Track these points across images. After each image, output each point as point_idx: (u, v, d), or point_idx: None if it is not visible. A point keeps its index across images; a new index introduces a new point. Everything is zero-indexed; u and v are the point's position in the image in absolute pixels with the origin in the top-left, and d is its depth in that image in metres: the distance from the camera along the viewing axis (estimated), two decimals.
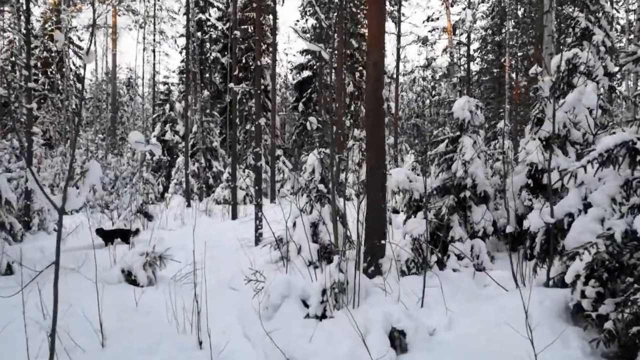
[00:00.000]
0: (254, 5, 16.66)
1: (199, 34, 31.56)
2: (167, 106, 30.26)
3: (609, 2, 16.41)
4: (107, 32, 38.86)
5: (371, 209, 6.92)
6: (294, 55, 36.49)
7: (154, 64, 36.13)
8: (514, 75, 32.80)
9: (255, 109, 11.87)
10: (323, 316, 5.82)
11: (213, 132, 27.56)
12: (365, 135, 7.00)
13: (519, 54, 31.46)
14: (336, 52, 24.92)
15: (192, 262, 8.42)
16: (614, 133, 4.73)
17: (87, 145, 29.07)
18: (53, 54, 38.11)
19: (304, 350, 4.88)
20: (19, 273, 9.99)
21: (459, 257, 7.47)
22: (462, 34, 37.67)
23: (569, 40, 9.63)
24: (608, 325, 4.10)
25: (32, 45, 35.60)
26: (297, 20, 34.54)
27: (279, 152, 26.51)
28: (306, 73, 36.85)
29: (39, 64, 38.38)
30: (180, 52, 34.58)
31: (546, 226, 5.39)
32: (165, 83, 33.04)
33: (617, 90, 10.30)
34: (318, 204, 8.86)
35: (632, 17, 26.87)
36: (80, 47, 42.43)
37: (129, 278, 8.02)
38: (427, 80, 47.03)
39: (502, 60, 33.72)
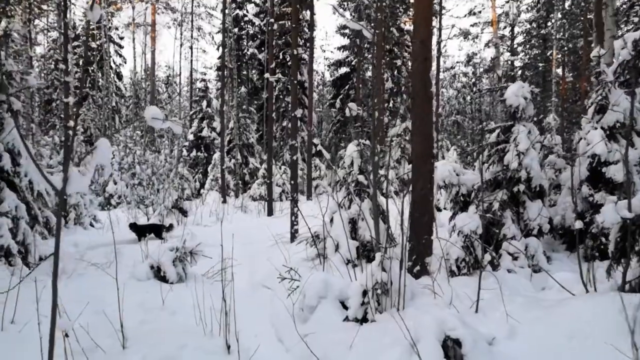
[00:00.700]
0: None
1: (235, 30, 31.38)
2: (204, 103, 30.18)
3: None
4: (146, 30, 39.18)
5: (417, 202, 6.30)
6: (332, 51, 35.89)
7: (191, 60, 36.21)
8: (559, 70, 31.36)
9: (292, 100, 11.37)
10: (364, 319, 5.25)
11: (250, 128, 27.29)
12: (411, 121, 6.39)
13: (566, 47, 30.03)
14: (375, 46, 24.23)
15: (225, 259, 8.02)
16: None
17: (126, 142, 29.19)
18: (94, 53, 38.69)
19: (344, 359, 4.34)
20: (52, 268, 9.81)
21: (513, 257, 6.78)
22: (505, 27, 36.43)
23: (636, 20, 8.74)
24: None
25: (73, 44, 36.21)
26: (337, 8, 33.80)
27: (317, 143, 25.97)
28: (344, 69, 36.25)
29: (80, 62, 39.05)
30: (218, 49, 34.50)
31: (622, 222, 4.68)
32: (202, 80, 32.99)
33: None
34: (357, 199, 8.29)
35: None
36: (120, 46, 43.04)
37: (158, 274, 7.64)
38: (468, 77, 45.82)
39: (549, 54, 32.31)
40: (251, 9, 33.76)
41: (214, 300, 5.81)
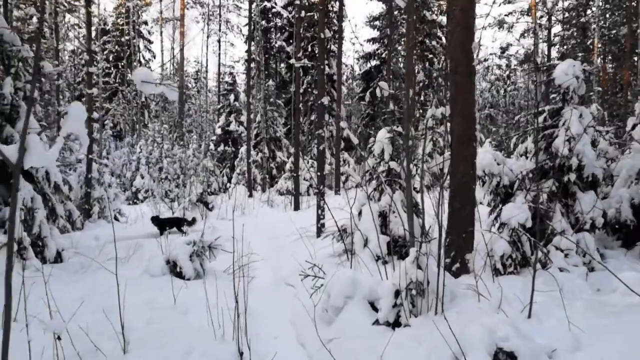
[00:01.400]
0: None
1: (263, 22, 30.91)
2: (232, 96, 29.80)
3: None
4: (175, 25, 39.11)
5: (457, 191, 5.61)
6: (361, 44, 35.15)
7: (219, 54, 35.94)
8: (599, 60, 29.87)
9: (318, 86, 10.75)
10: (396, 323, 4.62)
11: (277, 122, 26.78)
12: (449, 100, 5.70)
13: (607, 35, 28.57)
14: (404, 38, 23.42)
15: (247, 254, 7.48)
16: None
17: (154, 137, 29.09)
18: (124, 48, 38.81)
19: None
20: (70, 261, 9.48)
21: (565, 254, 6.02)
22: (542, 16, 34.96)
23: None
24: None
25: (103, 39, 36.34)
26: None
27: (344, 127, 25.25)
28: (373, 62, 35.44)
29: (110, 58, 39.25)
30: (246, 42, 34.13)
31: None
32: (230, 73, 32.65)
33: None
34: (389, 188, 7.64)
35: None
36: (150, 41, 43.13)
37: (174, 270, 7.12)
38: (502, 69, 44.37)
39: (588, 42, 30.84)
40: (279, 0, 33.25)
41: (231, 298, 5.26)
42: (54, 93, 17.34)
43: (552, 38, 34.25)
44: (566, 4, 33.41)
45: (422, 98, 30.80)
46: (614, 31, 28.10)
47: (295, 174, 17.03)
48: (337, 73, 26.70)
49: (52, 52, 22.32)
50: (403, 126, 5.69)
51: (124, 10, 38.60)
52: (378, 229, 7.59)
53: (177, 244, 7.39)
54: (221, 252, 7.91)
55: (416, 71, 29.26)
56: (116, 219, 16.09)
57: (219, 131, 30.03)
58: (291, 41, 31.11)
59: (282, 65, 33.98)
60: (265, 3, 31.53)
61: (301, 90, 24.92)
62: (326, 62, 12.68)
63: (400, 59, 33.95)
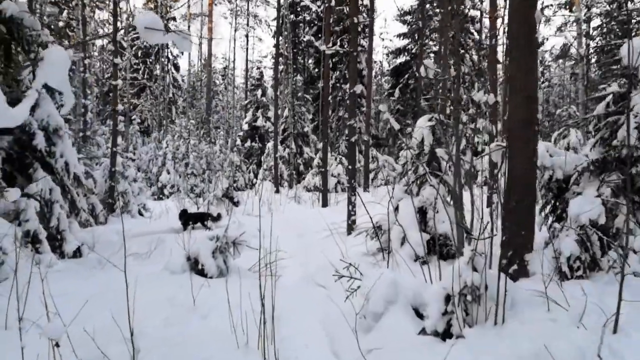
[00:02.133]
0: None
1: (292, 16, 30.39)
2: (259, 92, 29.40)
3: None
4: (202, 20, 38.93)
5: (516, 182, 4.90)
6: (390, 40, 34.37)
7: (247, 48, 35.56)
8: None
9: (350, 74, 10.12)
10: (446, 334, 3.97)
11: (305, 117, 26.24)
12: (508, 75, 5.01)
13: None
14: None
15: (274, 251, 6.91)
16: None
17: (181, 132, 28.87)
18: (153, 44, 38.79)
19: None
20: (89, 257, 9.08)
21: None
22: (580, 10, 33.58)
23: None
24: None
25: (132, 36, 36.33)
26: None
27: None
28: (403, 58, 34.65)
29: (139, 54, 39.28)
30: (274, 36, 33.73)
31: None
32: (258, 67, 32.24)
33: None
34: (433, 179, 6.97)
35: None
36: None
37: (195, 267, 6.58)
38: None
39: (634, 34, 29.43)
40: None
41: (256, 299, 4.68)
42: (79, 85, 17.10)
43: (590, 32, 32.92)
44: None
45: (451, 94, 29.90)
46: None
47: (323, 169, 16.44)
48: (367, 70, 26.03)
49: (79, 46, 22.17)
50: (453, 107, 5.02)
51: (152, 6, 38.55)
52: (417, 226, 6.95)
53: (199, 239, 6.86)
54: (246, 249, 7.35)
55: (447, 67, 28.37)
56: (140, 213, 15.76)
57: (245, 127, 29.65)
58: (320, 35, 30.51)
59: (310, 60, 33.44)
60: None
61: (330, 83, 24.35)
62: (357, 40, 11.92)
63: (431, 54, 33.12)
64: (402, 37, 34.78)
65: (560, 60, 37.43)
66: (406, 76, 33.51)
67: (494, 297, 3.86)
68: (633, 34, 26.30)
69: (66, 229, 8.70)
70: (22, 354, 3.16)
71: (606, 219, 5.43)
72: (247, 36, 36.04)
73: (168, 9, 39.26)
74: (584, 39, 32.58)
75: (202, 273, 6.52)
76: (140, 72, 39.08)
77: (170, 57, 40.73)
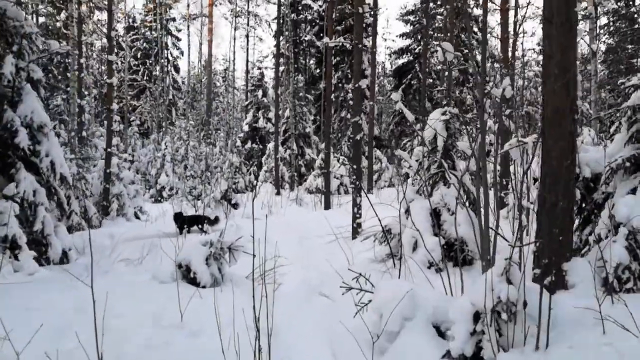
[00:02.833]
0: None
1: (293, 15, 29.83)
2: (260, 92, 28.85)
3: None
4: (202, 21, 38.41)
5: (552, 180, 4.27)
6: (393, 40, 33.79)
7: (247, 48, 34.99)
8: None
9: (355, 68, 9.55)
10: (476, 358, 3.36)
11: (306, 117, 25.64)
12: (542, 60, 4.41)
13: None
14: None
15: (273, 257, 6.31)
16: None
17: (180, 134, 28.32)
18: (152, 45, 38.26)
19: None
20: (77, 262, 8.52)
21: None
22: (586, 7, 33.04)
23: None
24: None
25: (131, 37, 35.83)
26: None
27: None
28: (406, 58, 34.06)
29: (138, 55, 38.71)
30: (274, 36, 33.22)
31: None
32: (258, 68, 31.68)
33: None
34: (453, 178, 6.37)
35: None
36: (178, 38, 42.52)
37: (187, 275, 5.97)
38: (541, 65, 42.45)
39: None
40: None
41: (252, 314, 4.08)
42: (73, 84, 16.51)
43: (598, 30, 32.33)
44: None
45: (456, 94, 29.31)
46: None
47: (325, 171, 15.84)
48: (370, 70, 25.44)
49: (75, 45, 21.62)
50: (479, 91, 4.40)
51: (152, 7, 38.03)
52: (430, 230, 6.35)
53: (191, 244, 6.25)
54: (244, 255, 6.73)
55: (451, 66, 27.76)
56: (137, 216, 15.18)
57: (246, 128, 29.08)
58: (321, 35, 29.94)
59: (312, 60, 32.88)
60: None
61: (332, 82, 23.76)
62: (362, 32, 11.28)
63: (434, 54, 32.52)
64: (404, 37, 34.23)
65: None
66: (409, 76, 32.93)
67: (532, 315, 3.25)
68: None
69: (51, 234, 8.11)
70: None
71: None
72: (247, 36, 35.49)
73: (167, 9, 38.76)
74: (596, 32, 31.97)
75: (194, 282, 5.92)
76: (140, 73, 38.55)
77: (170, 58, 40.22)
